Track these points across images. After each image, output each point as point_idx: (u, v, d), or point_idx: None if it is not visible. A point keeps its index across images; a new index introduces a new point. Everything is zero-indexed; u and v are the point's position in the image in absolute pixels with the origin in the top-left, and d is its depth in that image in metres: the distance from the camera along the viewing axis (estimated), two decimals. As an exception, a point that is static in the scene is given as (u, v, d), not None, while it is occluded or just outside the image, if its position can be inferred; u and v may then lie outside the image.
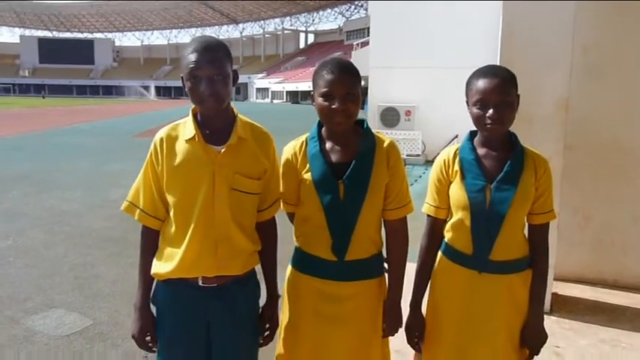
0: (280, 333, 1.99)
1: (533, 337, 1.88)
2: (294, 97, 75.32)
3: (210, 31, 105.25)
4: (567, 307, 3.85)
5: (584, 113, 4.10)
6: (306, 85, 69.43)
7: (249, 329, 1.92)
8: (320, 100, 1.77)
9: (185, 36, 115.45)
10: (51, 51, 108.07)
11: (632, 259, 4.30)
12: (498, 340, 1.86)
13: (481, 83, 1.79)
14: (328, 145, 1.85)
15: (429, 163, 12.28)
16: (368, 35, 15.66)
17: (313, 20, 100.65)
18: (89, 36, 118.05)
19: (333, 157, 1.83)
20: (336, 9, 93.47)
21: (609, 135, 4.23)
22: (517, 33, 3.58)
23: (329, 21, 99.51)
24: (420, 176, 10.81)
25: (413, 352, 2.08)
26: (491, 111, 1.76)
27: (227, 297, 1.82)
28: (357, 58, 22.94)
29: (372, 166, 1.81)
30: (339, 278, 1.84)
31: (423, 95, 13.25)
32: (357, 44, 29.10)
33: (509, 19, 3.59)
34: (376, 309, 1.91)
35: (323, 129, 1.89)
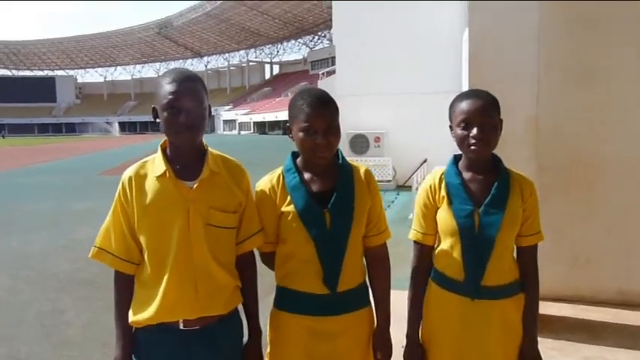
0: None
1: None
2: (262, 127, 75.44)
3: (175, 65, 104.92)
4: (548, 326, 3.83)
5: (551, 134, 4.18)
6: (273, 116, 69.74)
7: (234, 371, 1.83)
8: (301, 135, 1.76)
9: (149, 71, 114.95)
10: (10, 90, 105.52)
11: (607, 275, 4.34)
12: None
13: (465, 104, 1.80)
14: (306, 175, 1.84)
15: (400, 188, 12.38)
16: (332, 65, 15.90)
17: (277, 52, 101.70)
18: (50, 73, 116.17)
19: (314, 187, 1.81)
20: (300, 40, 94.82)
21: (578, 152, 4.29)
22: (483, 54, 3.67)
23: (293, 52, 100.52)
24: (393, 201, 10.86)
25: None
26: (475, 130, 1.76)
27: (210, 339, 1.74)
28: (323, 87, 23.19)
29: (354, 192, 1.81)
30: (332, 312, 1.80)
31: (391, 121, 13.43)
32: (323, 73, 29.52)
33: (475, 40, 3.68)
34: (367, 340, 1.88)
35: (298, 159, 1.87)
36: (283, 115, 65.49)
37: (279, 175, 1.86)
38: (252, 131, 77.79)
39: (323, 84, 24.69)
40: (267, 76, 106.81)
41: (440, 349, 1.90)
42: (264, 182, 1.87)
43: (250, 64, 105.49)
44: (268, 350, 1.90)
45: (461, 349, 1.85)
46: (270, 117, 71.47)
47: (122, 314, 1.75)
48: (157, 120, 1.73)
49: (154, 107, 1.74)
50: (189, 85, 1.69)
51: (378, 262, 1.91)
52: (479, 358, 1.83)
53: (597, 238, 4.36)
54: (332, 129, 1.76)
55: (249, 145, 34.12)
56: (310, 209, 1.77)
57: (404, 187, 12.26)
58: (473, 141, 1.77)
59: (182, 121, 1.66)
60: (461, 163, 1.90)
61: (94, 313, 4.65)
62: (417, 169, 10.95)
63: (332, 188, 1.79)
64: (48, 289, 5.47)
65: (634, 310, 4.12)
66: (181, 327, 1.71)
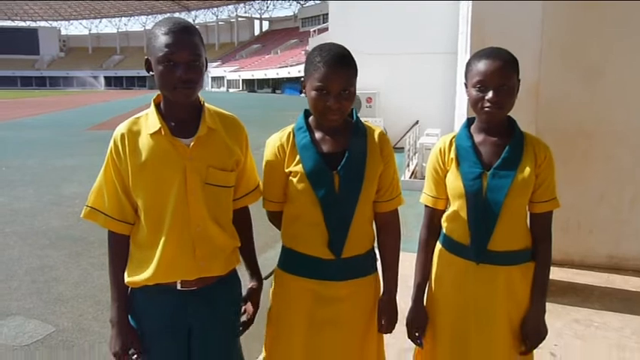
0: (267, 339, 1.88)
1: (533, 332, 1.81)
2: (251, 85, 74.39)
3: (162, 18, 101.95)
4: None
5: (550, 101, 4.16)
6: (262, 74, 68.68)
7: (232, 331, 1.82)
8: (313, 93, 1.66)
9: (135, 24, 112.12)
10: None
11: (596, 240, 4.41)
12: (497, 333, 1.79)
13: (482, 65, 1.71)
14: (318, 135, 1.75)
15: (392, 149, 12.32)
16: (323, 22, 15.61)
17: (267, 7, 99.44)
18: (32, 24, 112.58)
19: (324, 148, 1.73)
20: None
21: (574, 121, 4.32)
22: (486, 19, 3.58)
23: (283, 8, 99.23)
24: (383, 163, 10.82)
25: (413, 348, 2.00)
26: (490, 93, 1.69)
27: (208, 300, 1.71)
28: (314, 45, 22.81)
29: (366, 156, 1.73)
30: (336, 278, 1.75)
31: (383, 82, 13.26)
32: (314, 31, 28.95)
33: (479, 5, 3.57)
34: (371, 307, 1.84)
35: (310, 118, 1.79)
36: (272, 73, 64.67)
37: (290, 133, 1.77)
38: (240, 89, 76.68)
39: (314, 41, 24.27)
40: (257, 32, 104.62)
41: (443, 312, 1.88)
42: (274, 140, 1.79)
43: (239, 19, 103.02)
44: (270, 307, 1.88)
45: (463, 313, 1.82)
46: (259, 75, 70.38)
47: (117, 275, 1.71)
48: (151, 73, 1.62)
49: (147, 59, 1.62)
50: (187, 37, 1.57)
51: (389, 228, 1.84)
52: (481, 323, 1.80)
53: (589, 205, 4.40)
54: (346, 92, 1.66)
55: (238, 103, 33.67)
56: (319, 171, 1.69)
57: (395, 148, 12.18)
58: (487, 104, 1.70)
59: (179, 75, 1.55)
60: (474, 126, 1.84)
61: (85, 270, 4.61)
62: (408, 131, 10.91)
63: (343, 150, 1.71)
64: (37, 246, 5.41)
65: (623, 274, 4.20)
66: (179, 287, 1.67)
